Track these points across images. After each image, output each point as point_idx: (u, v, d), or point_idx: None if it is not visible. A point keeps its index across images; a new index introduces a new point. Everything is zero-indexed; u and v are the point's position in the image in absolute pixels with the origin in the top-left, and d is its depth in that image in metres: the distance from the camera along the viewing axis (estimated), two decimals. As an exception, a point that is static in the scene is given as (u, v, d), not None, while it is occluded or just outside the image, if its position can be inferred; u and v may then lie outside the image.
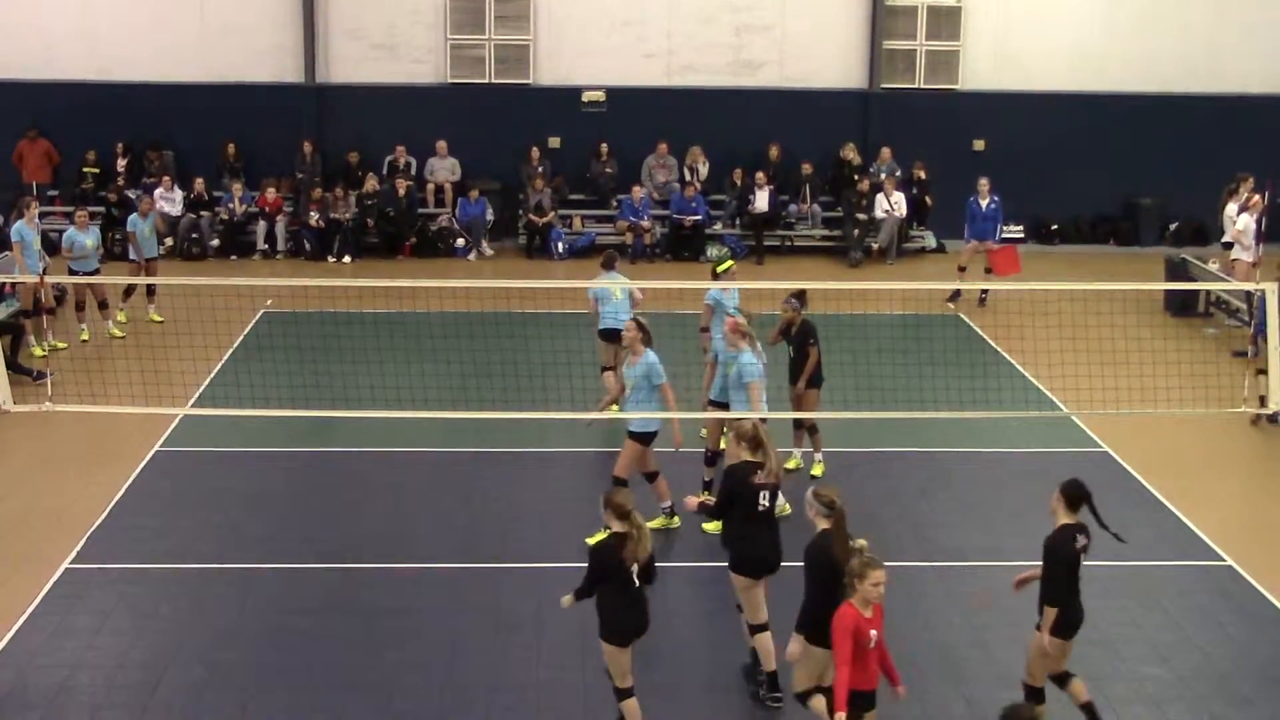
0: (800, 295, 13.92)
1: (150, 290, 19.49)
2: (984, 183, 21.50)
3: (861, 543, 8.50)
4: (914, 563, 12.21)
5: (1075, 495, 9.11)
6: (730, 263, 16.68)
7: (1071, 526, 9.06)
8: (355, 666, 10.31)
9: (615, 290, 15.43)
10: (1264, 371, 16.19)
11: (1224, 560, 12.32)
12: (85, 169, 24.76)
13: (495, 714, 9.75)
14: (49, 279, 15.59)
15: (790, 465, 14.14)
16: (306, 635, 10.78)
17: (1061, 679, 9.35)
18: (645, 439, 12.24)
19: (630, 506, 9.14)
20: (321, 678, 10.18)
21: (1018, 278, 20.54)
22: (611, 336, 15.01)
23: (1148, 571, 12.07)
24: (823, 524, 8.94)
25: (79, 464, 14.32)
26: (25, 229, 18.00)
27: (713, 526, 12.32)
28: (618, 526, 9.05)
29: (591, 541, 12.07)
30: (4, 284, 17.83)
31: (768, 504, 9.96)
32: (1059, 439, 15.25)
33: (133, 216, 19.75)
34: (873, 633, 8.31)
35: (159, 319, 19.34)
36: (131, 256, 19.61)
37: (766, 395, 12.74)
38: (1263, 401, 15.77)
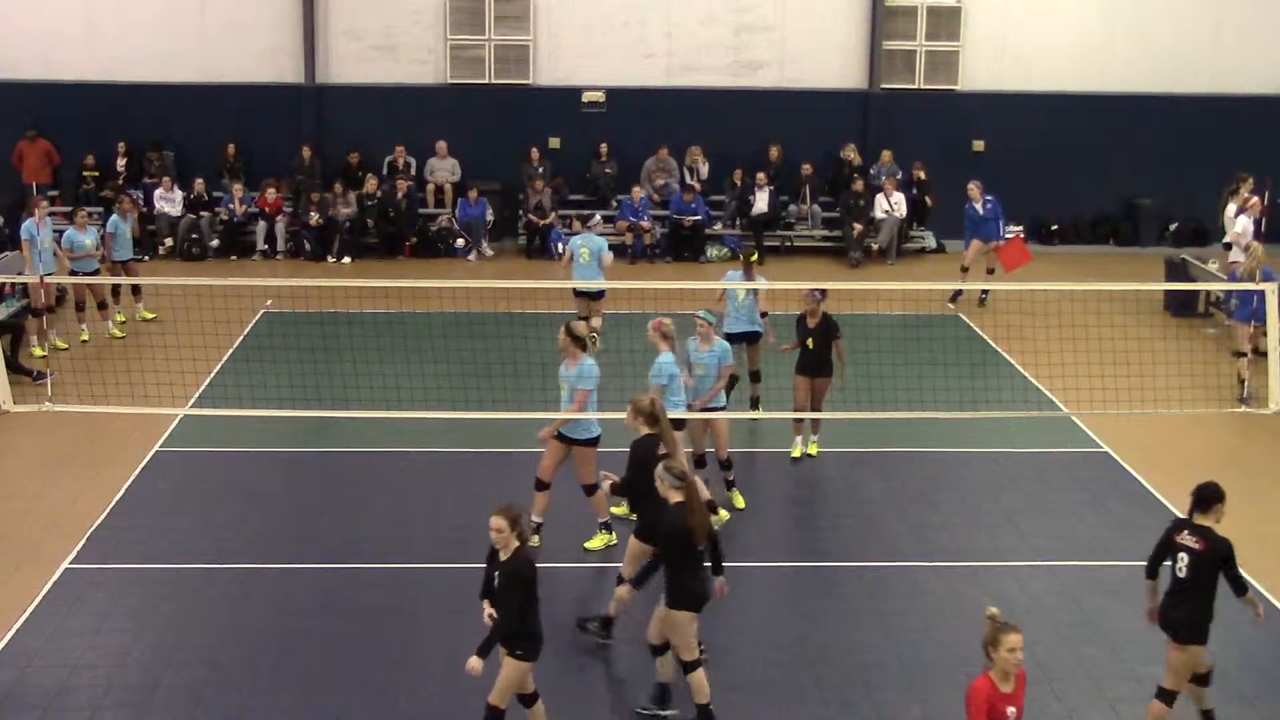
0: (823, 291, 14.34)
1: (135, 289, 19.53)
2: (973, 187, 21.48)
3: (993, 611, 7.66)
4: (914, 562, 12.22)
5: (1200, 497, 9.27)
6: (755, 254, 17.29)
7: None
8: (355, 666, 10.31)
9: (584, 252, 17.66)
10: (1243, 353, 16.77)
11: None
12: (85, 172, 24.77)
13: (495, 714, 9.74)
14: (49, 279, 15.59)
15: (796, 454, 14.46)
16: (306, 635, 10.78)
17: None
18: (587, 443, 12.16)
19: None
20: (321, 678, 10.18)
21: (1021, 275, 20.52)
22: (579, 294, 17.62)
23: (1148, 571, 12.05)
24: (676, 496, 9.24)
25: (79, 464, 14.32)
26: (35, 228, 18.02)
27: (622, 510, 12.56)
28: (519, 540, 8.74)
29: (589, 546, 12.13)
30: (4, 284, 17.84)
31: None
32: (1059, 439, 15.24)
33: (113, 218, 19.68)
34: (1010, 710, 7.48)
35: (150, 315, 19.40)
36: (115, 256, 19.57)
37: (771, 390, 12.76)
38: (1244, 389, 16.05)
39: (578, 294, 17.61)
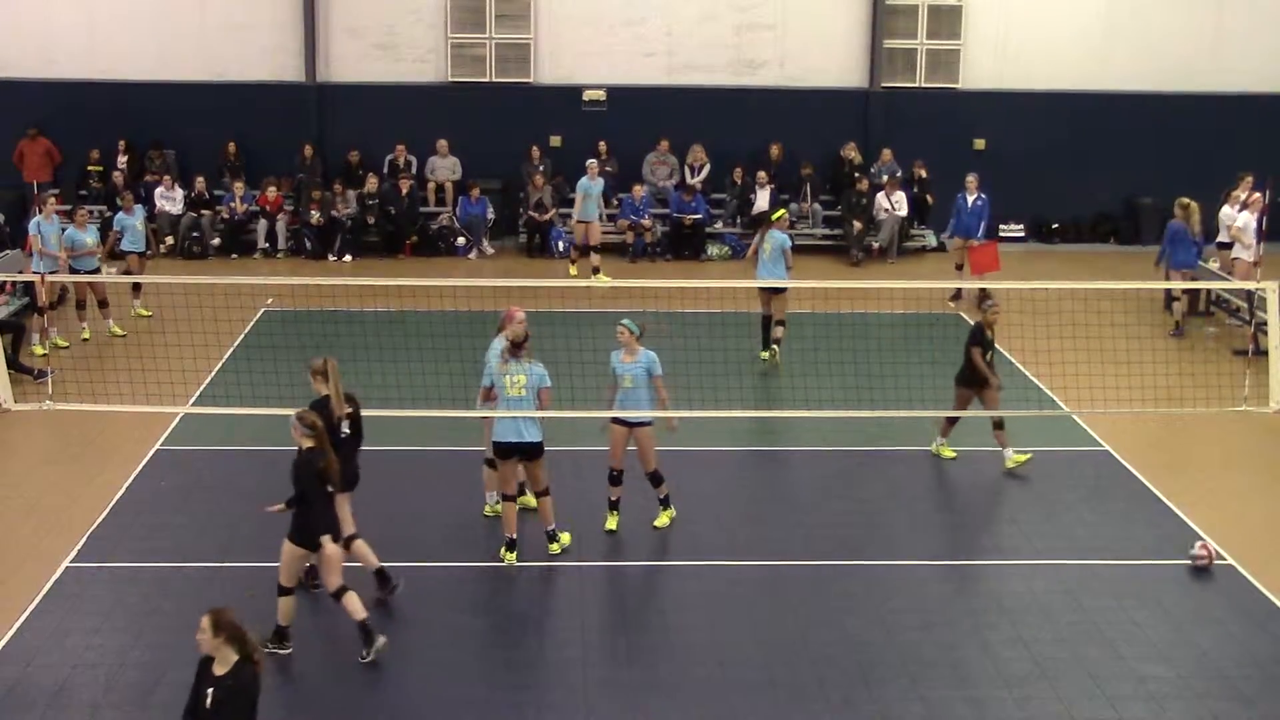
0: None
1: (135, 286, 19.61)
2: (971, 179, 21.48)
3: None
4: (914, 562, 12.22)
5: None
6: (783, 211, 18.44)
7: None
8: (354, 664, 10.30)
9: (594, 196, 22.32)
10: (1177, 298, 19.07)
11: (1224, 559, 12.31)
12: (90, 167, 24.78)
13: (495, 714, 9.75)
14: (52, 277, 15.57)
15: (949, 454, 14.52)
16: (306, 634, 10.76)
17: None
18: (495, 451, 12.06)
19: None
20: (321, 677, 10.18)
21: (1021, 273, 20.50)
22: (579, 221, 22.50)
23: (1148, 571, 12.07)
24: (307, 443, 10.23)
25: (79, 462, 14.32)
26: (44, 225, 18.05)
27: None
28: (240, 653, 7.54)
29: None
30: (4, 282, 17.84)
31: (348, 430, 11.23)
32: (1059, 438, 15.24)
33: (119, 215, 19.89)
34: None
35: (146, 313, 19.42)
36: (126, 247, 19.68)
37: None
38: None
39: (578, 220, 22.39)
